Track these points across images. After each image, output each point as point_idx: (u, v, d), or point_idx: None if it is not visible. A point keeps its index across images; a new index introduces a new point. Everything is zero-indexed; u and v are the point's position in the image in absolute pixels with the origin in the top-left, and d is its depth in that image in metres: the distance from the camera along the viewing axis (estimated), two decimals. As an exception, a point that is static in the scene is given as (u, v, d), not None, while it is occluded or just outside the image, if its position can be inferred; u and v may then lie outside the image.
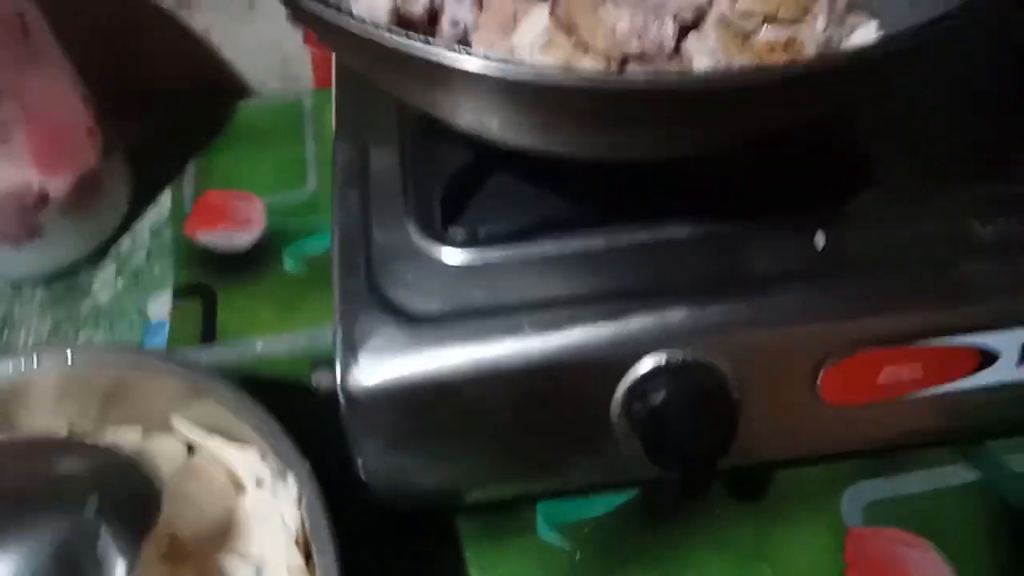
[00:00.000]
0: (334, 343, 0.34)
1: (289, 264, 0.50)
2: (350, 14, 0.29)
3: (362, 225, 0.37)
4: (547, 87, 0.23)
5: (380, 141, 0.40)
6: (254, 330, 0.47)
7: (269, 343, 0.47)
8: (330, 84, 0.58)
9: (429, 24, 0.34)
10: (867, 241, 0.36)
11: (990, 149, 0.39)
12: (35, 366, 0.36)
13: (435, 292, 0.35)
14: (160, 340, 0.47)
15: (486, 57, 0.24)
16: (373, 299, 0.35)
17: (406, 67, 0.26)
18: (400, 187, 0.38)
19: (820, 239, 0.36)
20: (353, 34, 0.25)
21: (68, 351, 0.36)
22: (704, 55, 0.31)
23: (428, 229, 0.37)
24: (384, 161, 0.39)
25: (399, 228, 0.37)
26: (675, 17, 0.31)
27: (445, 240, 0.36)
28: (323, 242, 0.51)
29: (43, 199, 0.45)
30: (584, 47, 0.32)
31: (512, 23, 0.33)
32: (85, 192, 0.47)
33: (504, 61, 0.24)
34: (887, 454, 0.41)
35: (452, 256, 0.36)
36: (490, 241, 0.36)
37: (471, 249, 0.36)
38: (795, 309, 0.34)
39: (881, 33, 0.33)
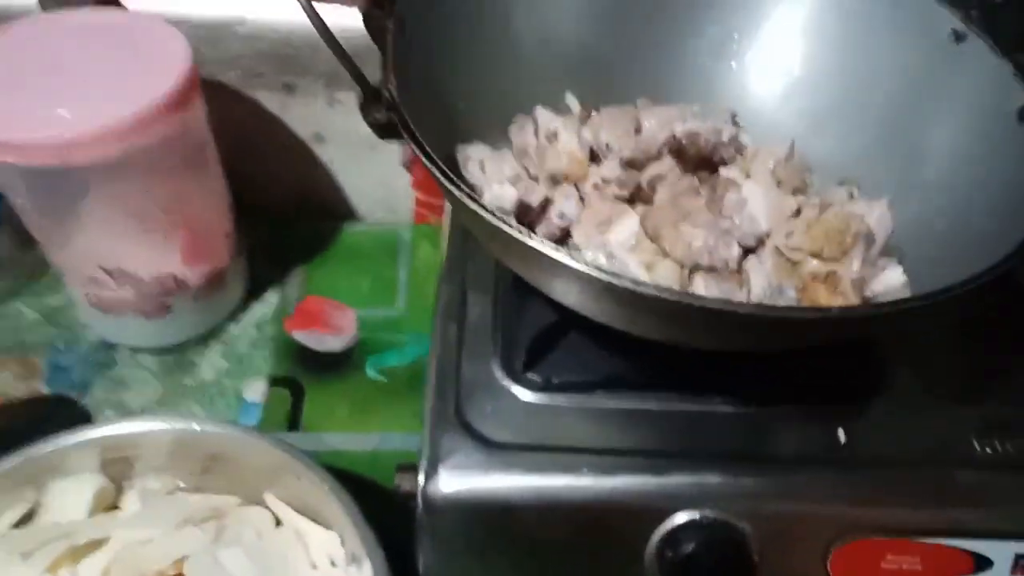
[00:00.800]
0: (420, 453, 0.41)
1: (371, 371, 0.57)
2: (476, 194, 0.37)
3: (456, 358, 0.44)
4: (636, 294, 0.31)
5: (478, 287, 0.48)
6: (332, 425, 0.54)
7: (344, 439, 0.53)
8: (426, 221, 0.68)
9: (540, 212, 0.42)
10: (879, 441, 0.42)
11: (991, 375, 0.45)
12: (155, 427, 0.43)
13: (509, 424, 0.42)
14: (252, 420, 0.54)
15: (596, 267, 0.31)
16: (458, 422, 0.41)
17: (529, 257, 0.34)
18: (490, 330, 0.45)
19: (842, 434, 0.42)
20: (495, 227, 0.33)
21: (191, 422, 0.43)
22: (759, 275, 0.39)
23: (510, 370, 0.43)
24: (479, 305, 0.47)
25: (486, 365, 0.44)
26: (739, 242, 0.39)
27: (524, 382, 0.43)
28: (403, 357, 0.58)
29: (180, 285, 0.53)
30: (664, 253, 0.40)
31: (608, 223, 0.41)
32: (213, 284, 0.55)
33: (601, 269, 0.31)
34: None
35: (528, 396, 0.43)
36: (561, 388, 0.43)
37: (544, 393, 0.43)
38: (815, 490, 0.40)
39: (905, 278, 0.40)
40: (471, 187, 0.42)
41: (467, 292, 0.48)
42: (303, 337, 0.59)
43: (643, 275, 0.40)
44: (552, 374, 0.43)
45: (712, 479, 0.40)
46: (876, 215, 0.41)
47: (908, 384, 0.44)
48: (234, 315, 0.59)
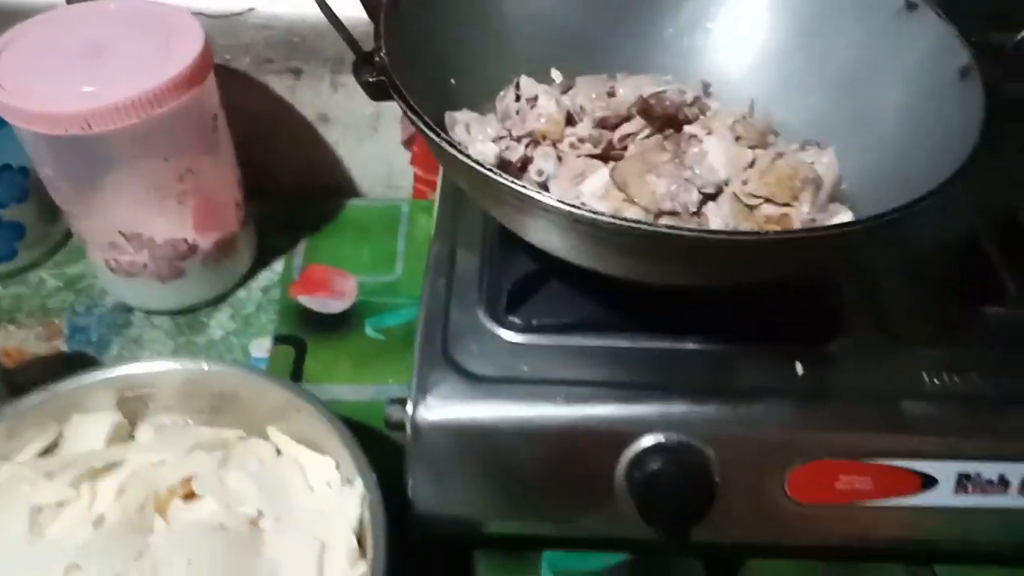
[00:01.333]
0: (410, 387, 0.44)
1: (369, 330, 0.61)
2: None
3: (444, 307, 0.48)
4: (600, 225, 0.34)
5: (466, 244, 0.51)
6: (333, 378, 0.58)
7: (344, 390, 0.57)
8: (424, 197, 0.72)
9: (520, 169, 0.46)
10: (835, 375, 0.45)
11: (943, 322, 0.48)
12: (167, 368, 0.47)
13: (493, 361, 0.45)
14: (256, 376, 0.58)
15: (560, 200, 0.35)
16: (444, 360, 0.45)
17: (504, 197, 0.37)
18: (477, 281, 0.49)
19: (799, 367, 0.46)
20: (474, 170, 0.36)
21: (200, 362, 0.47)
22: (718, 218, 0.42)
23: (494, 314, 0.47)
24: (467, 260, 0.50)
25: (472, 311, 0.48)
26: (699, 189, 0.43)
27: (506, 324, 0.47)
28: (399, 318, 0.62)
29: (192, 250, 0.57)
30: (631, 201, 0.43)
31: (581, 177, 0.45)
32: (223, 250, 0.59)
33: (571, 204, 0.35)
34: (846, 565, 0.48)
35: (510, 336, 0.46)
36: (541, 330, 0.47)
37: (525, 334, 0.46)
38: (773, 417, 0.44)
39: (853, 218, 0.44)
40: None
41: (456, 249, 0.51)
42: (307, 300, 0.63)
43: None
44: (532, 317, 0.47)
45: (677, 407, 0.44)
46: (824, 162, 0.44)
47: (865, 326, 0.48)
48: (243, 281, 0.63)
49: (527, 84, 0.50)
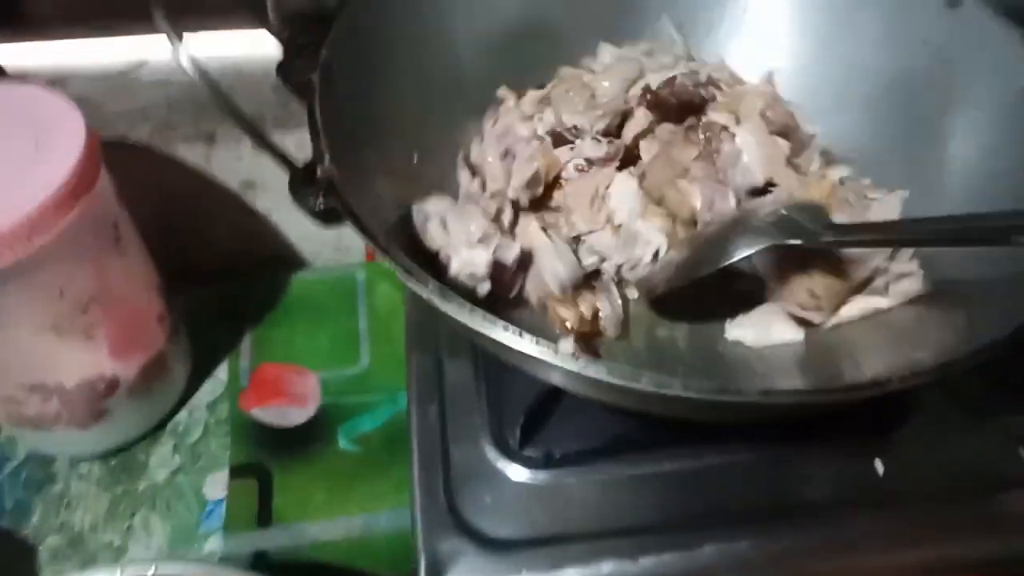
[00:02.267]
0: (418, 566, 0.35)
1: (343, 443, 0.51)
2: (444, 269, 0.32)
3: (440, 443, 0.39)
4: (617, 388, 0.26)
5: (453, 354, 0.42)
6: (309, 512, 0.48)
7: (324, 528, 0.48)
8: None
9: (517, 270, 0.37)
10: (921, 468, 0.38)
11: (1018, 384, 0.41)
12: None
13: (512, 514, 0.37)
14: (216, 521, 0.48)
15: (586, 361, 0.26)
16: (452, 522, 0.36)
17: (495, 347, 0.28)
18: (475, 404, 0.40)
19: (880, 466, 0.38)
20: (478, 333, 0.27)
21: (149, 568, 0.37)
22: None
23: (504, 448, 0.38)
24: (459, 375, 0.41)
25: (476, 445, 0.39)
26: (735, 194, 0.37)
27: (522, 460, 0.38)
28: (375, 420, 0.52)
29: (113, 386, 0.47)
30: (673, 216, 0.37)
31: (599, 198, 0.37)
32: (151, 373, 0.49)
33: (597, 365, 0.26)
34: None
35: (527, 476, 0.38)
36: (564, 462, 0.38)
37: (546, 471, 0.38)
38: (863, 537, 0.36)
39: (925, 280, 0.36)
40: (435, 254, 0.36)
41: (442, 360, 0.42)
42: (262, 414, 0.53)
43: (664, 244, 0.38)
44: (552, 446, 0.38)
45: (746, 544, 0.36)
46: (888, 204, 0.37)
47: (938, 401, 0.40)
48: (183, 400, 0.53)
49: (492, 130, 0.41)
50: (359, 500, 0.49)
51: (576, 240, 0.40)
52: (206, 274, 0.58)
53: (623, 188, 0.40)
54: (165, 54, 0.51)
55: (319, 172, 0.30)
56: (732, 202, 0.39)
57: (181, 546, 0.47)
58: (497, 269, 0.36)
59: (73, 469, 0.50)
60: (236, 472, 0.50)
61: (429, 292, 0.27)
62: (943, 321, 0.35)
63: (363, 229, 0.29)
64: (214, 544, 0.47)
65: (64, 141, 0.41)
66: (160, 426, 0.52)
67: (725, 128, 0.41)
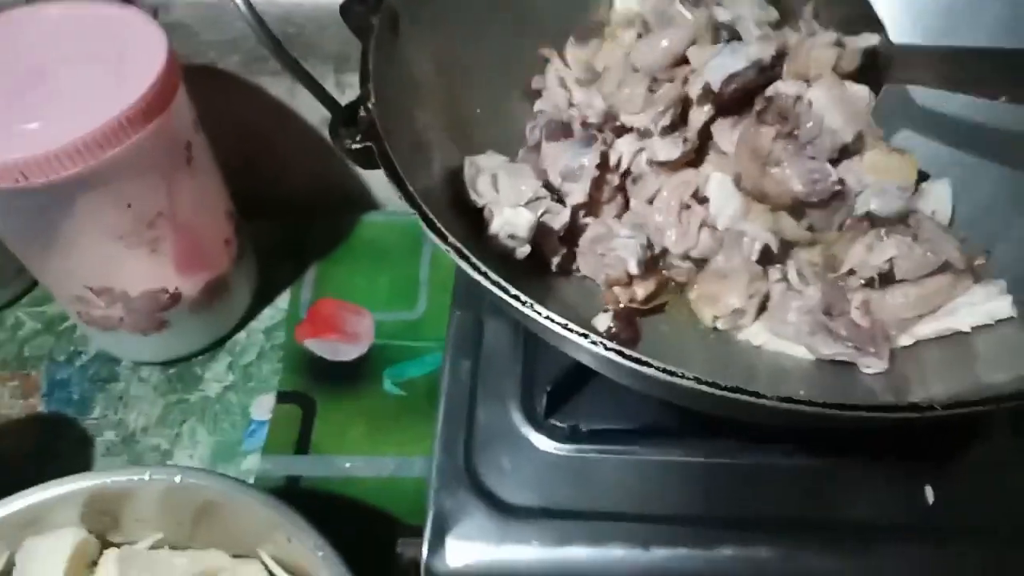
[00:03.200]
0: (425, 517, 0.35)
1: (388, 384, 0.52)
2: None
3: (468, 402, 0.38)
4: (680, 387, 0.24)
5: (495, 314, 0.41)
6: (346, 446, 0.49)
7: (358, 464, 0.48)
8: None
9: (566, 239, 0.35)
10: (974, 500, 0.35)
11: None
12: (146, 478, 0.39)
13: (529, 482, 0.36)
14: (258, 441, 0.49)
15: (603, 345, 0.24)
16: (468, 480, 0.36)
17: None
18: (510, 368, 0.39)
19: (930, 494, 0.35)
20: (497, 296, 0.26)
21: (177, 475, 0.38)
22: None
23: (532, 415, 0.37)
24: (497, 337, 0.40)
25: (504, 409, 0.38)
26: (828, 160, 0.35)
27: (547, 430, 0.37)
28: (422, 367, 0.53)
29: (175, 299, 0.48)
30: (777, 207, 0.35)
31: (684, 205, 0.35)
32: (213, 293, 0.50)
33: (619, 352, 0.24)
34: None
35: (551, 447, 0.37)
36: (591, 438, 0.37)
37: (571, 444, 0.37)
38: (897, 566, 0.34)
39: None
40: (480, 209, 0.35)
41: (483, 319, 0.41)
42: (315, 346, 0.54)
43: (772, 239, 0.36)
44: (580, 420, 0.37)
45: (767, 553, 0.34)
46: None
47: (1006, 433, 0.37)
48: (243, 323, 0.54)
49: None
50: (395, 443, 0.49)
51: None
52: (279, 206, 0.59)
53: (721, 192, 0.37)
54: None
55: (361, 111, 0.29)
56: (831, 175, 0.36)
57: (222, 460, 0.49)
58: (542, 233, 0.34)
59: (134, 372, 0.52)
60: (283, 397, 0.51)
61: (446, 246, 0.26)
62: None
63: (392, 172, 0.28)
64: (252, 463, 0.49)
65: (145, 62, 0.42)
66: (219, 344, 0.54)
67: (799, 98, 0.37)
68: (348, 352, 0.54)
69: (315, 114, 0.57)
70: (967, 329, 0.32)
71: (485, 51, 0.39)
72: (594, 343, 0.24)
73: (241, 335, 0.54)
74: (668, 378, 0.23)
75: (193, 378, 0.52)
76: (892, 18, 0.41)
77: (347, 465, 0.49)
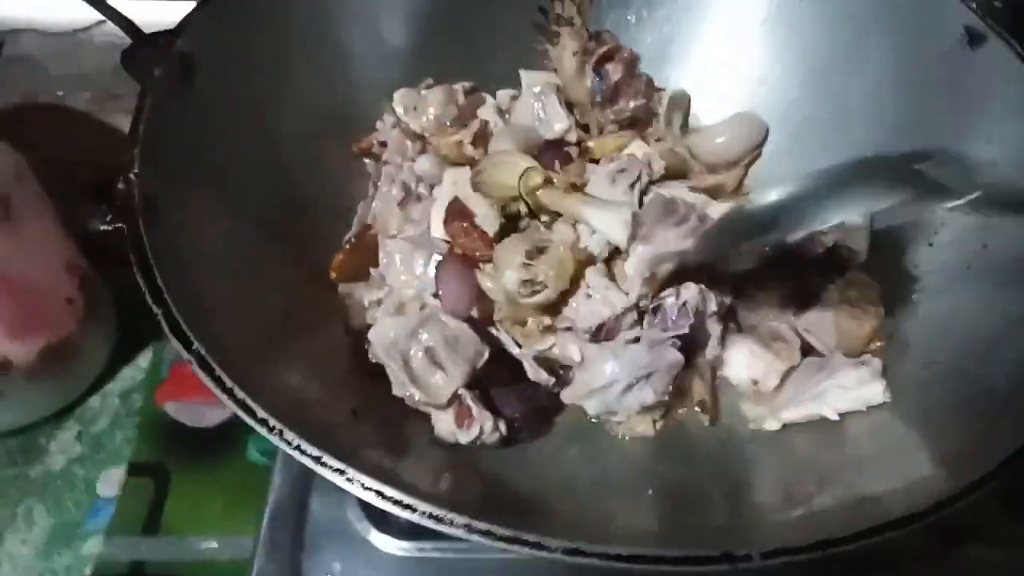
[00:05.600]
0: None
1: (253, 453, 0.47)
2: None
3: (301, 492, 0.34)
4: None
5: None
6: (201, 525, 0.45)
7: (212, 545, 0.44)
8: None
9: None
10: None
11: None
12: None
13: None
14: (102, 521, 0.45)
15: None
16: (293, 587, 0.32)
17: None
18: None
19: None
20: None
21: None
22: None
23: (371, 510, 0.33)
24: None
25: (340, 504, 0.34)
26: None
27: (391, 528, 0.33)
28: (293, 433, 0.48)
29: (5, 366, 0.44)
30: None
31: None
32: (55, 357, 0.45)
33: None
34: None
35: (395, 547, 0.33)
36: (437, 534, 0.33)
37: (415, 542, 0.33)
38: None
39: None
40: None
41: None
42: (176, 410, 0.49)
43: None
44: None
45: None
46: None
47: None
48: (97, 386, 0.50)
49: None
50: (258, 519, 0.45)
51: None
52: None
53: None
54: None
55: (119, 184, 0.25)
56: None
57: (59, 544, 0.44)
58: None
59: (-31, 444, 0.47)
60: (134, 469, 0.47)
61: (188, 354, 0.22)
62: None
63: (143, 264, 0.24)
64: (94, 546, 0.44)
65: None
66: (69, 410, 0.49)
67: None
68: (212, 416, 0.49)
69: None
70: (834, 416, 0.29)
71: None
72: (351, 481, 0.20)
73: (94, 399, 0.49)
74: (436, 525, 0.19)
75: (36, 449, 0.47)
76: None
77: (201, 547, 0.44)
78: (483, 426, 0.33)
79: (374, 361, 0.35)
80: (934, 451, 0.27)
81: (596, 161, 0.44)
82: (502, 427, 0.34)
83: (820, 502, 0.26)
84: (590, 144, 0.45)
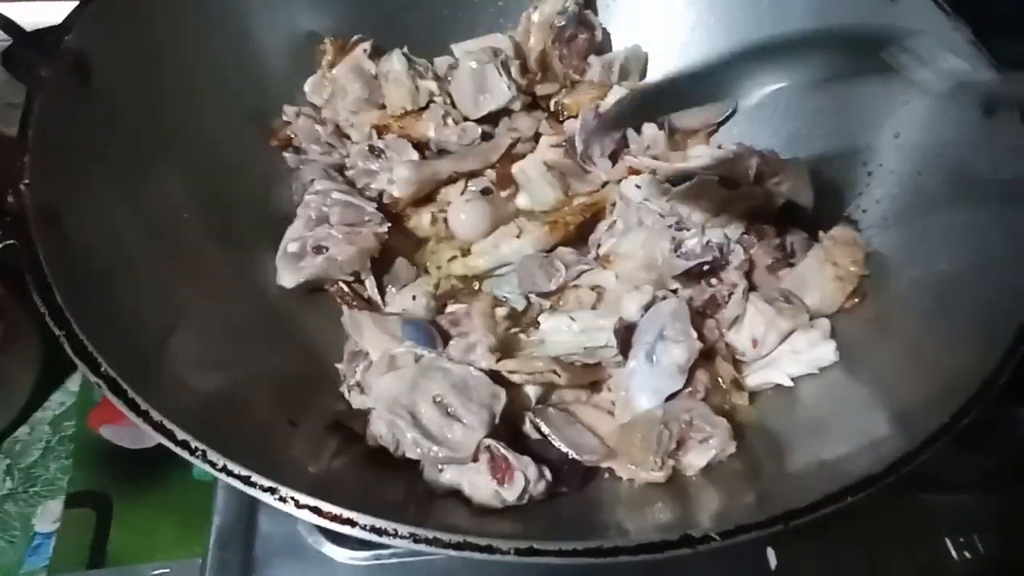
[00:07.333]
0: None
1: (199, 471, 0.45)
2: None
3: (249, 507, 0.32)
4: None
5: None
6: (151, 550, 0.43)
7: (164, 572, 0.42)
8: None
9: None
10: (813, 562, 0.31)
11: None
12: None
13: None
14: (43, 558, 0.42)
15: None
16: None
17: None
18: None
19: (772, 558, 0.31)
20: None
21: None
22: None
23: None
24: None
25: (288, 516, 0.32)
26: None
27: (340, 538, 0.31)
28: (240, 446, 0.46)
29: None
30: None
31: None
32: (-29, 388, 0.43)
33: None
34: None
35: (348, 558, 0.31)
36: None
37: (372, 551, 0.31)
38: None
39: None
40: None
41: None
42: (113, 433, 0.47)
43: None
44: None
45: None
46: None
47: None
48: (23, 416, 0.47)
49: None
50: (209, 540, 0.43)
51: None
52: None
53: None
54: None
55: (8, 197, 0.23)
56: None
57: (-3, 587, 0.42)
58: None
59: None
60: (72, 500, 0.44)
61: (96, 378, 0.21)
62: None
63: (39, 281, 0.22)
64: (35, 586, 0.41)
65: None
66: (-4, 442, 0.46)
67: None
68: (152, 437, 0.47)
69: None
70: (788, 383, 0.29)
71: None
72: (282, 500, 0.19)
73: (22, 430, 0.47)
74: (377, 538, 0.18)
75: (-37, 488, 0.45)
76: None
77: (153, 574, 0.42)
78: (526, 474, 0.30)
79: (375, 445, 0.31)
80: (888, 408, 0.27)
81: (575, 116, 0.45)
82: (547, 473, 0.31)
83: (779, 471, 0.25)
84: (565, 101, 0.46)
